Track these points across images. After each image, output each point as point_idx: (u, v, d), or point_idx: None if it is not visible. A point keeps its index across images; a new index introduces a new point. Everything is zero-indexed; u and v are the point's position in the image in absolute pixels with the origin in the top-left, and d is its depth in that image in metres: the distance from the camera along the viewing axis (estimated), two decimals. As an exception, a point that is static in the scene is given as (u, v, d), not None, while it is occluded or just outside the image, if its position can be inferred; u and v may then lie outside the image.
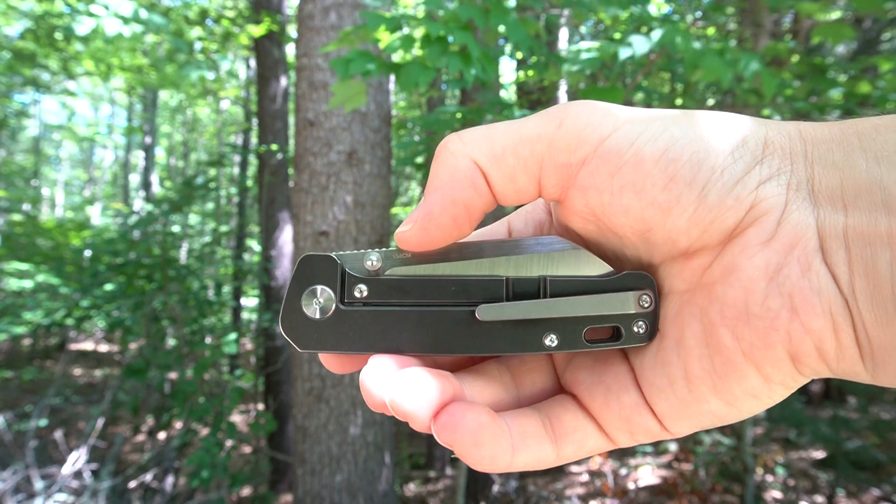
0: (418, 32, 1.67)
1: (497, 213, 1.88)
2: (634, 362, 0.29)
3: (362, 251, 0.30)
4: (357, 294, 0.29)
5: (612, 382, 0.29)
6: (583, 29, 4.87)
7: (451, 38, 1.54)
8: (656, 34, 1.60)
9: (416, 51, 1.72)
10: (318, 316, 0.29)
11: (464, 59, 1.55)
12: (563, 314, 0.27)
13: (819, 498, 4.13)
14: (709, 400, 0.26)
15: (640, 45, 1.57)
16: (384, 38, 1.71)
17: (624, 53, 1.58)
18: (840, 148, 0.24)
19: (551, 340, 0.28)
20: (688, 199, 0.24)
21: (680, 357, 0.26)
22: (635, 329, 0.28)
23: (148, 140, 13.22)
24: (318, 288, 0.29)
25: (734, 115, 0.26)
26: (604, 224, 0.27)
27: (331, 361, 0.30)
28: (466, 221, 0.27)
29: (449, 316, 0.28)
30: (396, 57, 1.84)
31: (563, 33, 4.70)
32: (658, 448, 5.59)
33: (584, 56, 1.68)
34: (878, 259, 0.22)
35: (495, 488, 4.78)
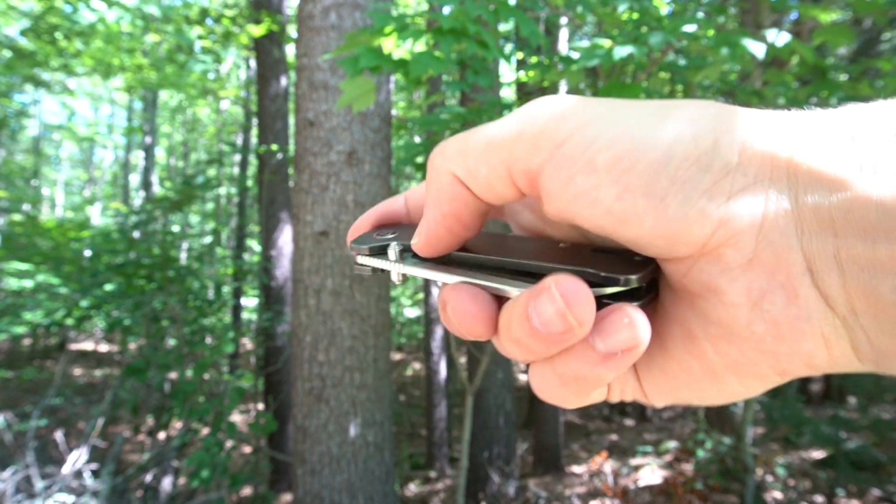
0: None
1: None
2: None
3: (380, 237, 0.32)
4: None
5: None
6: (585, 28, 4.87)
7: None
8: (659, 31, 1.60)
9: (423, 46, 1.72)
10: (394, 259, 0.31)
11: (480, 44, 1.56)
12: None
13: (819, 498, 4.13)
14: (686, 394, 0.26)
15: (655, 39, 1.57)
16: (390, 41, 1.71)
17: (638, 50, 1.58)
18: (831, 153, 0.21)
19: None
20: (644, 209, 0.22)
21: (661, 353, 0.26)
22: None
23: (148, 140, 13.22)
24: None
25: (715, 108, 0.23)
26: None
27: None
28: (462, 228, 0.28)
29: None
30: (403, 52, 1.84)
31: (563, 34, 4.70)
32: (658, 448, 5.60)
33: (598, 52, 1.67)
34: (881, 285, 0.20)
35: (495, 488, 4.78)
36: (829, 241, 0.20)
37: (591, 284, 0.23)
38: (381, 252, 0.31)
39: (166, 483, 3.91)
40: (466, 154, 0.26)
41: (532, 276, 0.26)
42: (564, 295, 0.22)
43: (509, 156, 0.24)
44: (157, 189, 12.96)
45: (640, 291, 0.25)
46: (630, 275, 0.24)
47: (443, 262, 0.29)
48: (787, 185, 0.21)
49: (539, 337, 0.23)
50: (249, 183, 9.35)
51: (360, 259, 0.32)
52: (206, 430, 3.75)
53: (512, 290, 0.26)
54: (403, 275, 0.31)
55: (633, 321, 0.22)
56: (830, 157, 0.21)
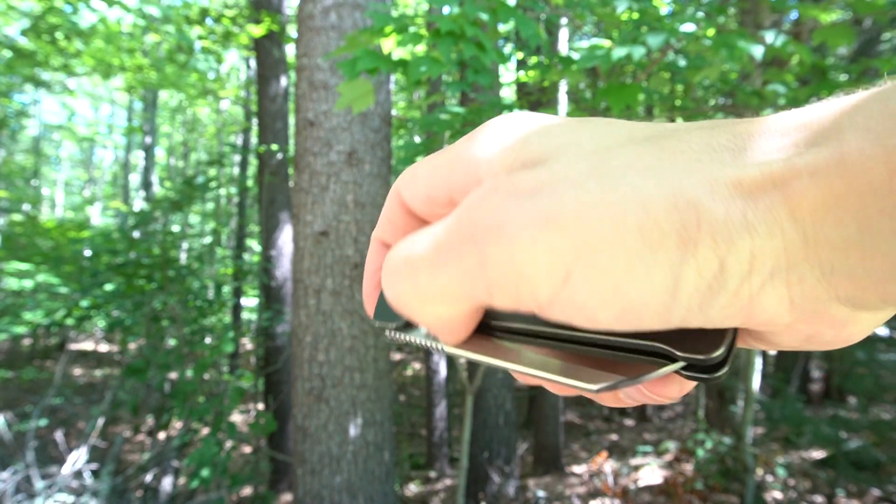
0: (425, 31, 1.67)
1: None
2: None
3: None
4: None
5: None
6: (585, 28, 4.86)
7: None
8: (659, 32, 1.60)
9: (423, 47, 1.72)
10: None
11: (478, 47, 1.56)
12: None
13: (819, 498, 4.13)
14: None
15: (654, 40, 1.57)
16: (390, 41, 1.71)
17: (637, 51, 1.58)
18: (852, 217, 0.17)
19: None
20: (658, 324, 0.20)
21: None
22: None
23: (148, 140, 13.22)
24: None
25: (709, 214, 0.18)
26: None
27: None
28: (471, 323, 0.25)
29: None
30: (402, 52, 1.85)
31: (563, 34, 4.70)
32: (658, 448, 5.60)
33: (597, 53, 1.67)
34: None
35: (495, 488, 4.78)
36: (871, 299, 0.19)
37: (669, 358, 0.22)
38: (411, 326, 0.27)
39: (166, 483, 3.91)
40: (421, 288, 0.23)
41: (594, 345, 0.23)
42: (657, 395, 0.24)
43: (490, 290, 0.21)
44: (157, 189, 12.97)
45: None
46: (711, 353, 0.22)
47: (486, 334, 0.26)
48: (809, 268, 0.19)
49: (624, 403, 0.26)
50: (249, 183, 9.35)
51: (390, 335, 0.27)
52: (206, 430, 3.75)
53: (585, 386, 0.23)
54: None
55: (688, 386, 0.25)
56: (853, 217, 0.17)
